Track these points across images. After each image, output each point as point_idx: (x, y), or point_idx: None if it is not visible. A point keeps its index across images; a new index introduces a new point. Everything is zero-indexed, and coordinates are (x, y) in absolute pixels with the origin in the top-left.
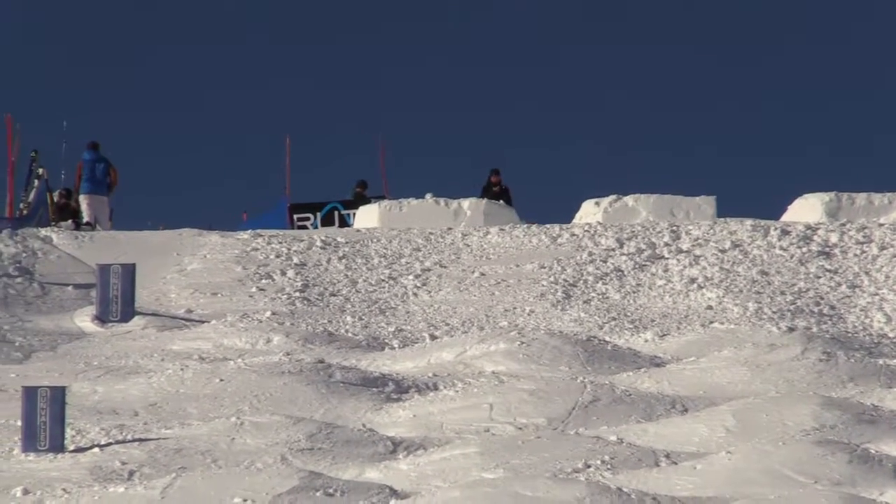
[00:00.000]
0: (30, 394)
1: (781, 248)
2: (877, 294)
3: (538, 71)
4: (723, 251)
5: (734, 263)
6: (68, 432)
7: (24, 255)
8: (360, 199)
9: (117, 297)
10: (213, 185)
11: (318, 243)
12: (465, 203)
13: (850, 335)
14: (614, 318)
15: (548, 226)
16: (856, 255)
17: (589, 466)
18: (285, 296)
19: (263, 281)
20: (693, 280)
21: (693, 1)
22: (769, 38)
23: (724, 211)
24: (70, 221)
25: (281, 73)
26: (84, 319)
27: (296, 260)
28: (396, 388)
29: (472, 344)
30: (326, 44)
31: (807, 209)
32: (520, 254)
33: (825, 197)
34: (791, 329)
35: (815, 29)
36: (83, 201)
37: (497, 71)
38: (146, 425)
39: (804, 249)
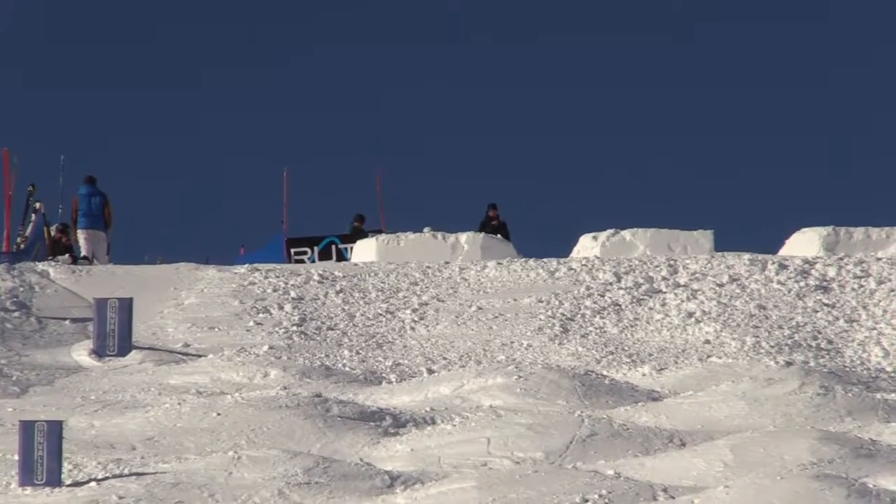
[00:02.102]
0: (27, 428)
1: (779, 282)
2: (874, 328)
3: (538, 106)
4: (720, 285)
5: (732, 297)
6: (65, 466)
7: (21, 289)
8: (358, 234)
9: (114, 332)
10: (211, 219)
11: (316, 277)
12: (463, 237)
13: (847, 369)
14: (612, 353)
15: (545, 260)
16: (853, 289)
17: (587, 501)
18: (282, 330)
19: (261, 315)
20: (691, 314)
21: (694, 40)
22: (767, 74)
23: (721, 245)
24: (67, 255)
25: (278, 105)
26: (81, 353)
27: (293, 294)
28: (394, 423)
29: (469, 378)
30: (326, 75)
31: (804, 243)
32: (517, 288)
33: (823, 231)
34: (789, 363)
35: (811, 67)
36: (81, 236)
37: (496, 106)
38: (143, 459)
39: (802, 283)
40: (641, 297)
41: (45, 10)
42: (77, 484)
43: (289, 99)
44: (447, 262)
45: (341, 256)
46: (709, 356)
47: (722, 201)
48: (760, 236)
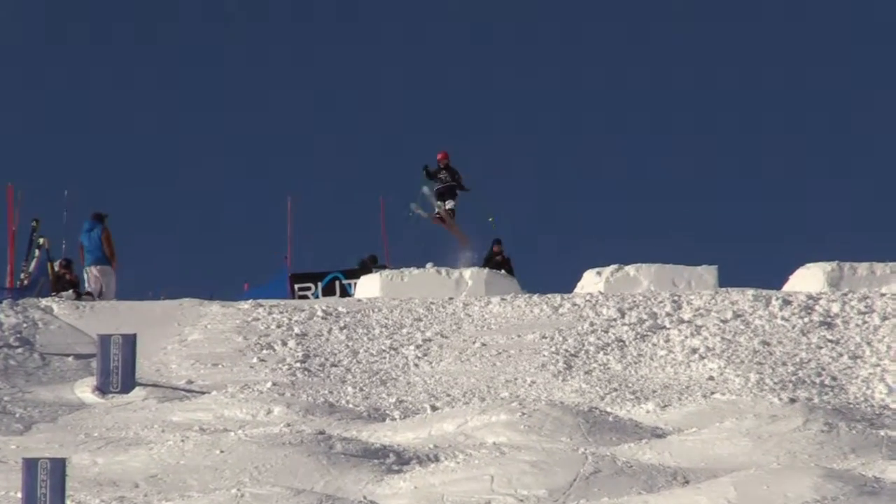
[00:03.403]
0: (30, 465)
1: (783, 318)
2: (878, 365)
3: (539, 141)
4: (724, 321)
5: (736, 334)
6: None
7: (25, 325)
8: (364, 269)
9: (118, 368)
10: (214, 255)
11: (320, 313)
12: (467, 273)
13: (851, 406)
14: (616, 389)
15: (549, 295)
16: (857, 325)
17: None
18: (286, 366)
19: (264, 351)
20: (694, 350)
21: (696, 83)
22: (773, 112)
23: (725, 281)
24: (71, 291)
25: (282, 139)
26: (85, 390)
27: (297, 330)
28: (397, 460)
29: (473, 415)
30: (331, 110)
31: (809, 279)
32: (521, 324)
33: (827, 267)
34: (793, 400)
35: (810, 103)
36: (89, 273)
37: (500, 142)
38: (147, 497)
39: (806, 320)
40: (645, 333)
41: (49, 48)
42: None
43: (293, 133)
44: (451, 298)
45: (345, 292)
46: (712, 393)
47: (726, 237)
48: (764, 272)
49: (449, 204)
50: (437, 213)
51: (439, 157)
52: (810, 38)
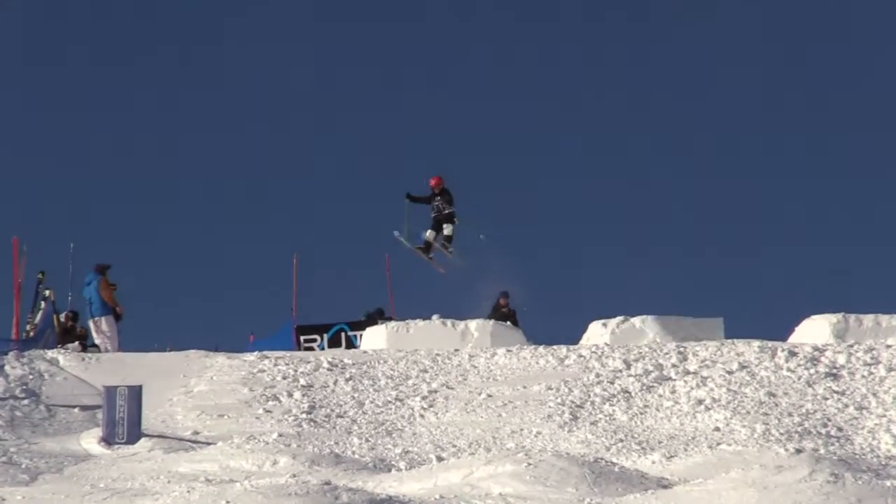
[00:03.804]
0: None
1: (789, 369)
2: (884, 415)
3: (542, 192)
4: (730, 372)
5: (742, 385)
6: None
7: (31, 376)
8: (371, 321)
9: (124, 419)
10: (220, 306)
11: (325, 365)
12: (472, 324)
13: (857, 457)
14: (621, 440)
15: (555, 347)
16: (863, 376)
17: None
18: (292, 417)
19: (270, 402)
20: (700, 401)
21: (694, 130)
22: (774, 161)
23: (731, 332)
24: (77, 343)
25: (287, 196)
26: (90, 441)
27: (302, 381)
28: None
29: (478, 465)
30: (334, 161)
31: (814, 330)
32: (527, 375)
33: (832, 318)
34: (799, 450)
35: (817, 147)
36: (92, 325)
37: (504, 190)
38: None
39: (812, 371)
40: (651, 384)
41: (50, 94)
42: None
43: (299, 185)
44: (457, 350)
45: (351, 344)
46: (719, 443)
47: (732, 288)
48: (770, 323)
49: (447, 230)
50: (423, 246)
51: (433, 182)
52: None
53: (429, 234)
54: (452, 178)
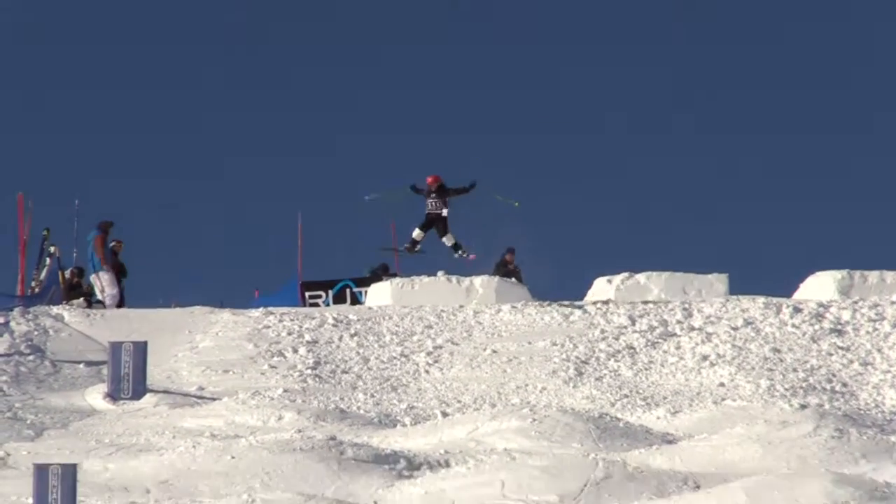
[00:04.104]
0: (41, 472)
1: (794, 325)
2: (889, 371)
3: (551, 148)
4: (735, 328)
5: (746, 341)
6: None
7: (36, 332)
8: (375, 277)
9: (129, 375)
10: (225, 262)
11: (330, 321)
12: (477, 280)
13: (862, 412)
14: (626, 396)
15: (560, 303)
16: (868, 332)
17: None
18: (297, 373)
19: (275, 358)
20: (705, 357)
21: (710, 81)
22: (784, 118)
23: (736, 288)
24: (81, 299)
25: (293, 150)
26: (96, 397)
27: (307, 337)
28: (408, 465)
29: (483, 421)
30: (343, 119)
31: (819, 287)
32: (532, 331)
33: (837, 274)
34: (803, 406)
35: (829, 112)
36: (94, 282)
37: (511, 148)
38: (157, 503)
39: (816, 327)
40: (656, 340)
41: (59, 53)
42: None
43: (304, 143)
44: (461, 306)
45: (356, 300)
46: (723, 399)
47: (737, 245)
48: (775, 280)
49: (448, 241)
50: (409, 244)
51: (429, 180)
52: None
53: (416, 232)
54: (455, 132)
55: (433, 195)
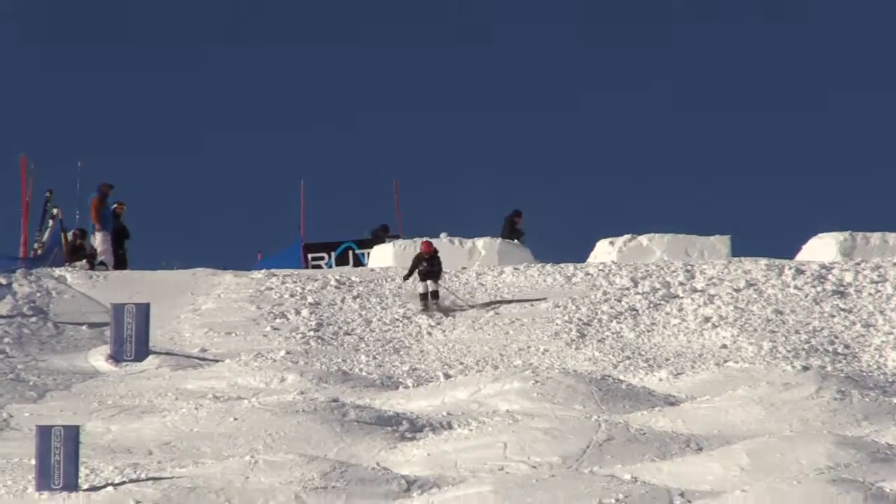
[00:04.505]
0: (44, 433)
1: (796, 287)
2: (891, 333)
3: (553, 111)
4: (737, 290)
5: (749, 303)
6: (82, 471)
7: (39, 294)
8: (377, 239)
9: (131, 337)
10: (228, 225)
11: (333, 283)
12: (480, 242)
13: (864, 374)
14: (629, 357)
15: (562, 265)
16: (870, 294)
17: None
18: (299, 335)
19: (278, 320)
20: (707, 319)
21: (712, 42)
22: (784, 80)
23: (738, 250)
24: (84, 261)
25: (296, 116)
26: (98, 359)
27: (310, 299)
28: (410, 427)
29: (486, 383)
30: (342, 87)
31: (821, 248)
32: (534, 293)
33: (840, 236)
34: (805, 368)
35: (826, 74)
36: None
37: (512, 112)
38: (160, 464)
39: (819, 289)
40: (658, 301)
41: (65, 13)
42: (94, 488)
43: (306, 107)
44: (464, 268)
45: (358, 262)
46: (726, 361)
47: (739, 207)
48: (777, 241)
49: (432, 286)
50: (424, 305)
51: (423, 248)
52: None
53: (422, 287)
54: (454, 96)
55: (425, 263)
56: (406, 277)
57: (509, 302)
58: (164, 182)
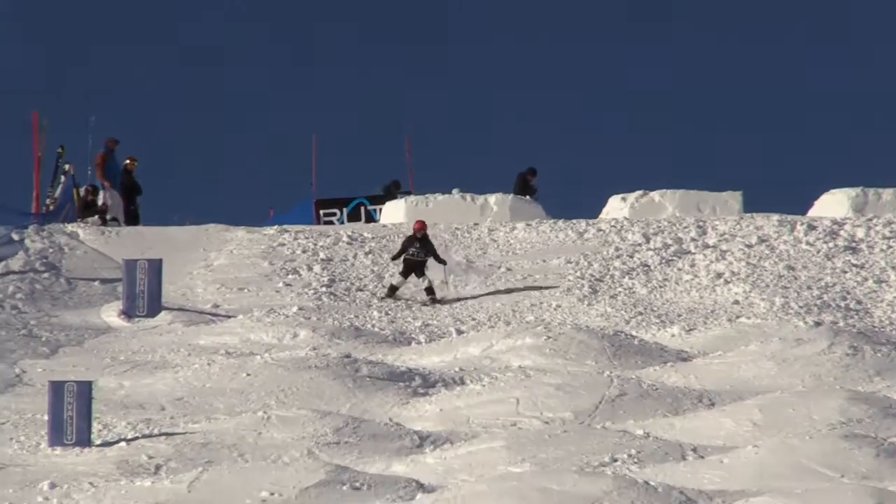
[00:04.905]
0: (56, 388)
1: (808, 243)
2: None
3: (564, 64)
4: (749, 246)
5: (761, 258)
6: (95, 427)
7: (51, 250)
8: (389, 195)
9: (144, 293)
10: (240, 181)
11: (345, 238)
12: (492, 198)
13: (876, 330)
14: (641, 313)
15: (574, 221)
16: (882, 250)
17: (615, 460)
18: (312, 291)
19: (290, 276)
20: (720, 275)
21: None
22: (794, 32)
23: (750, 206)
24: (96, 217)
25: (309, 72)
26: (111, 314)
27: (322, 255)
28: (423, 383)
29: (498, 339)
30: (352, 43)
31: (833, 204)
32: (546, 249)
33: (852, 192)
34: (818, 323)
35: (837, 25)
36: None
37: (525, 64)
38: (173, 420)
39: (831, 244)
40: (670, 258)
41: None
42: (106, 444)
43: (318, 62)
44: (476, 224)
45: (370, 218)
46: (738, 317)
47: (751, 162)
48: (789, 197)
49: (424, 283)
50: (387, 293)
51: (416, 226)
52: None
53: (397, 279)
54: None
55: (417, 244)
56: (394, 258)
57: (507, 293)
58: (177, 138)
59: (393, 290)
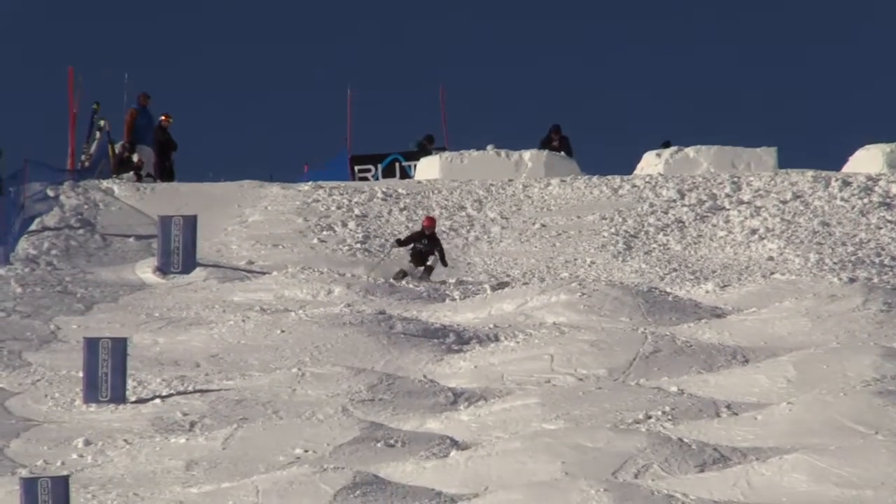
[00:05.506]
0: (91, 345)
1: (842, 199)
2: None
3: (599, 23)
4: (784, 202)
5: (795, 214)
6: (129, 383)
7: (86, 206)
8: (423, 151)
9: (179, 249)
10: (275, 136)
11: (380, 195)
12: (527, 154)
13: None
14: (675, 269)
15: (609, 177)
16: None
17: (650, 417)
18: (346, 247)
19: (324, 232)
20: (754, 231)
21: None
22: None
23: (785, 162)
24: (131, 173)
25: (343, 27)
26: (145, 271)
27: (357, 211)
28: (457, 340)
29: (533, 295)
30: None
31: (868, 160)
32: (581, 205)
33: (887, 148)
34: (852, 280)
35: None
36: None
37: (555, 25)
38: (207, 376)
39: (865, 200)
40: (705, 214)
41: None
42: (141, 401)
43: (352, 16)
44: (510, 180)
45: (405, 174)
46: (772, 273)
47: (786, 118)
48: (824, 153)
49: (430, 260)
50: (398, 274)
51: (425, 223)
52: None
53: (408, 267)
54: None
55: (425, 241)
56: (398, 243)
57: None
58: (212, 94)
59: (403, 275)
